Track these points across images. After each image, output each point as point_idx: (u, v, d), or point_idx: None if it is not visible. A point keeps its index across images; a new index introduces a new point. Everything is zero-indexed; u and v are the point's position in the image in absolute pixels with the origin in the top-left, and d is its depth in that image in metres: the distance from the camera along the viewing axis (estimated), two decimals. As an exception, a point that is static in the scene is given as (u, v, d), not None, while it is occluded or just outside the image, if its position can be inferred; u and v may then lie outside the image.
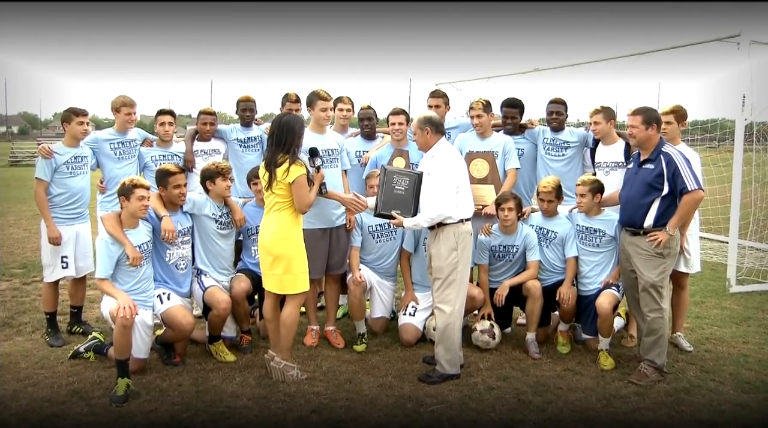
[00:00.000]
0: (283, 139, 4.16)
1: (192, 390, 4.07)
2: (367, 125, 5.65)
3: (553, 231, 4.98)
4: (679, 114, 4.84)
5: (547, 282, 4.98)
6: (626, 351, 4.93)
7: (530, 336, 4.91)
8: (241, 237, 5.13)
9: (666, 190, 4.20)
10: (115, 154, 5.29)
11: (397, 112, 5.37)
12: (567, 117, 5.42)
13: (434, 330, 4.60)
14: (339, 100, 5.66)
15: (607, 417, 3.77)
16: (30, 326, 5.35)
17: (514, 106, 5.45)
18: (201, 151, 5.64)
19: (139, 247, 4.33)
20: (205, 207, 4.75)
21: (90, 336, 4.75)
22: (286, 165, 4.10)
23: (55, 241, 4.94)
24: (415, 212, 4.41)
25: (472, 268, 4.84)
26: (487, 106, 5.26)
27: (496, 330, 4.93)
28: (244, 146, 5.73)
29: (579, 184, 4.82)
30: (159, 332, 4.65)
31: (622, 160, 4.97)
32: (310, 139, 4.67)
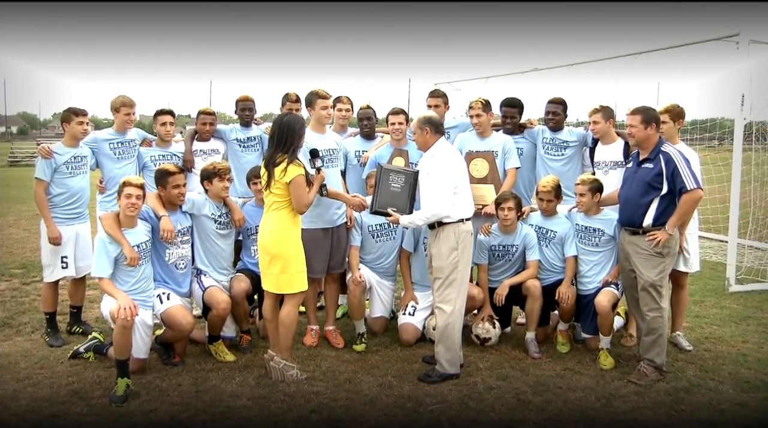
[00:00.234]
0: (284, 138, 4.16)
1: (192, 390, 4.08)
2: (367, 125, 5.65)
3: (552, 231, 4.98)
4: (674, 113, 4.83)
5: (547, 281, 4.98)
6: (626, 350, 4.94)
7: (530, 335, 4.91)
8: (240, 237, 5.13)
9: (665, 190, 4.20)
10: (115, 154, 5.28)
11: (396, 112, 5.37)
12: (566, 117, 5.41)
13: (434, 329, 4.60)
14: (338, 99, 5.66)
15: (607, 417, 3.78)
16: (29, 326, 5.35)
17: (513, 105, 5.45)
18: (200, 151, 5.64)
19: (137, 247, 4.33)
20: (204, 207, 4.75)
21: (90, 336, 4.75)
22: (284, 164, 4.10)
23: (55, 241, 4.94)
24: (411, 210, 4.43)
25: (472, 268, 4.84)
26: (486, 106, 5.26)
27: (496, 321, 4.96)
28: (244, 146, 5.74)
29: (578, 184, 4.83)
30: (159, 332, 4.65)
31: (621, 159, 4.97)
32: (310, 138, 4.68)
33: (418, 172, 4.44)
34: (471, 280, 4.90)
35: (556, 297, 4.85)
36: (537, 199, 5.15)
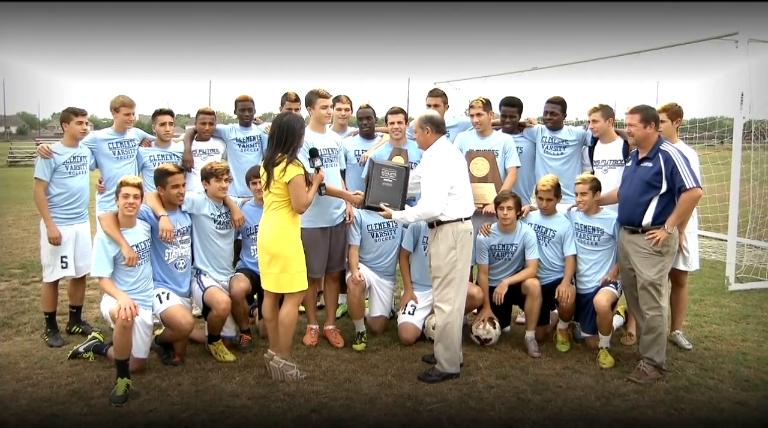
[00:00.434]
0: (284, 138, 4.16)
1: (191, 390, 4.08)
2: (366, 124, 5.64)
3: (551, 230, 4.98)
4: (672, 112, 4.83)
5: (546, 280, 4.98)
6: (625, 349, 4.94)
7: (529, 334, 4.92)
8: (240, 237, 5.13)
9: (664, 188, 4.20)
10: (114, 154, 5.28)
11: (395, 111, 5.37)
12: (564, 117, 5.40)
13: (433, 328, 4.60)
14: (337, 99, 5.66)
15: (607, 416, 3.78)
16: (29, 326, 5.35)
17: (512, 104, 5.44)
18: (200, 150, 5.64)
19: (136, 247, 4.32)
20: (203, 206, 4.75)
21: (89, 336, 4.74)
22: (283, 164, 4.10)
23: (55, 241, 4.94)
24: (403, 205, 4.44)
25: (472, 267, 4.84)
26: (486, 105, 5.26)
27: (496, 321, 4.96)
28: (243, 146, 5.73)
29: (579, 183, 4.83)
30: (158, 332, 4.65)
31: (621, 158, 4.97)
32: (310, 137, 4.68)
33: (409, 167, 4.48)
34: (471, 280, 4.91)
35: (556, 296, 4.85)
36: (536, 198, 5.15)
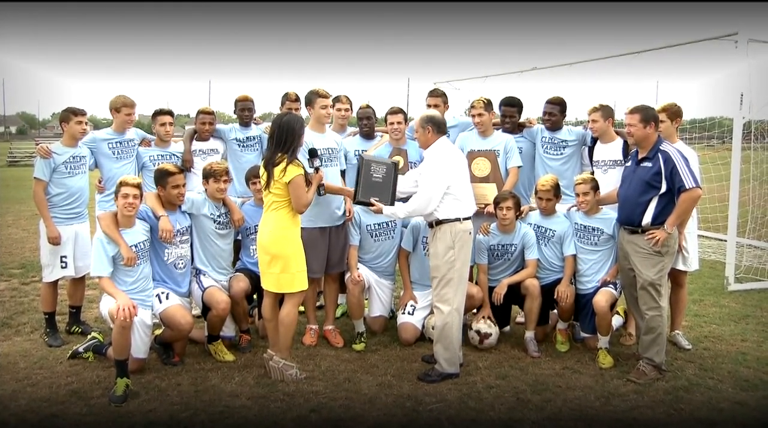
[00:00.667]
0: (284, 138, 4.16)
1: (191, 390, 4.07)
2: (366, 124, 5.64)
3: (551, 230, 4.98)
4: (672, 112, 4.83)
5: (546, 280, 4.98)
6: (625, 349, 4.94)
7: (529, 334, 4.92)
8: (239, 237, 5.13)
9: (664, 188, 4.20)
10: (114, 154, 5.28)
11: (395, 112, 5.37)
12: (564, 117, 5.40)
13: (433, 328, 4.60)
14: (337, 99, 5.65)
15: (606, 416, 3.78)
16: (29, 326, 5.35)
17: (512, 104, 5.45)
18: (199, 150, 5.64)
19: (135, 247, 4.32)
20: (203, 207, 4.75)
21: (89, 336, 4.74)
22: (283, 164, 4.10)
23: (55, 241, 4.94)
24: (393, 200, 4.45)
25: (471, 267, 4.84)
26: (488, 105, 5.27)
27: (493, 323, 4.95)
28: (243, 146, 5.73)
29: (579, 183, 4.82)
30: (158, 332, 4.65)
31: (620, 158, 4.97)
32: (310, 137, 4.68)
33: (397, 162, 4.56)
34: (471, 280, 4.90)
35: (555, 297, 4.85)
36: (536, 198, 5.15)
